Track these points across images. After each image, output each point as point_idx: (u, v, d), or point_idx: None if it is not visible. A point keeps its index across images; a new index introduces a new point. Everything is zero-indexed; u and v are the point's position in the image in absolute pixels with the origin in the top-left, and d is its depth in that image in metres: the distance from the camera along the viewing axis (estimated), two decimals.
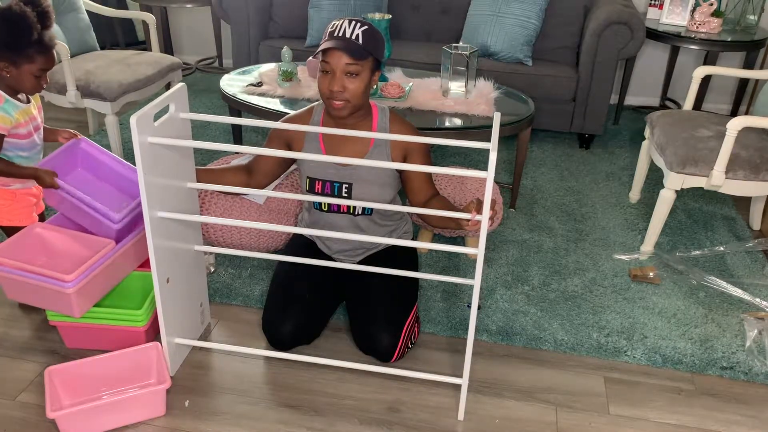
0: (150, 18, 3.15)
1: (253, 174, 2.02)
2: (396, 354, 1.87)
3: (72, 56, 2.96)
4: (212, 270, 2.30)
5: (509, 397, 1.84)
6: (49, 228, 1.91)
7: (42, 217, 2.13)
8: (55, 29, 2.89)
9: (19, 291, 1.78)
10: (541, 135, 3.63)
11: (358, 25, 1.75)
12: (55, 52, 1.89)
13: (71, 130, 2.00)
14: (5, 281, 1.78)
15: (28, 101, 1.94)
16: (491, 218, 1.56)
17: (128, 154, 3.11)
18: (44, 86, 1.89)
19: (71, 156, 1.99)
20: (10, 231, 2.01)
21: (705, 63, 3.61)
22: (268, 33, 3.71)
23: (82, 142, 2.00)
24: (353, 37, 1.74)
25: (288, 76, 2.78)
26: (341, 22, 1.76)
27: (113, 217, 1.82)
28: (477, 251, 1.49)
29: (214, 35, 4.45)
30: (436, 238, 2.54)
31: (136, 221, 1.90)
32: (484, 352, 2.00)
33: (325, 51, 1.75)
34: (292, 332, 1.89)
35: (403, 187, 2.00)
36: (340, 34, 1.74)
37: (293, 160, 2.05)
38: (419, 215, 2.28)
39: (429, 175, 1.98)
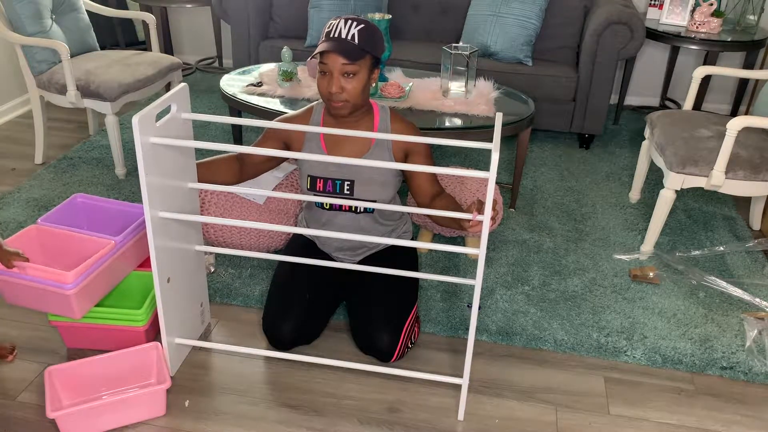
0: (150, 18, 3.15)
1: (243, 165, 2.01)
2: (396, 354, 1.87)
3: (72, 56, 2.96)
4: (212, 270, 2.30)
5: (509, 397, 1.84)
6: (46, 229, 1.91)
7: None
8: (55, 29, 2.90)
9: (17, 295, 1.77)
10: (541, 135, 3.63)
11: (354, 24, 1.74)
12: None
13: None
14: (3, 285, 1.76)
15: None
16: (492, 218, 1.56)
17: (128, 154, 3.11)
18: None
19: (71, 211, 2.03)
20: None
21: (705, 63, 3.61)
22: (268, 33, 3.71)
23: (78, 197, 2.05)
24: (349, 37, 1.73)
25: (288, 76, 2.77)
26: (337, 21, 1.76)
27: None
28: (477, 251, 1.49)
29: (214, 35, 4.45)
30: (436, 238, 2.54)
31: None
32: (484, 352, 2.00)
33: (321, 53, 1.75)
34: (292, 332, 1.89)
35: (408, 187, 2.00)
36: (336, 35, 1.74)
37: (285, 157, 2.04)
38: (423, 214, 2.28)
39: (432, 173, 1.97)
